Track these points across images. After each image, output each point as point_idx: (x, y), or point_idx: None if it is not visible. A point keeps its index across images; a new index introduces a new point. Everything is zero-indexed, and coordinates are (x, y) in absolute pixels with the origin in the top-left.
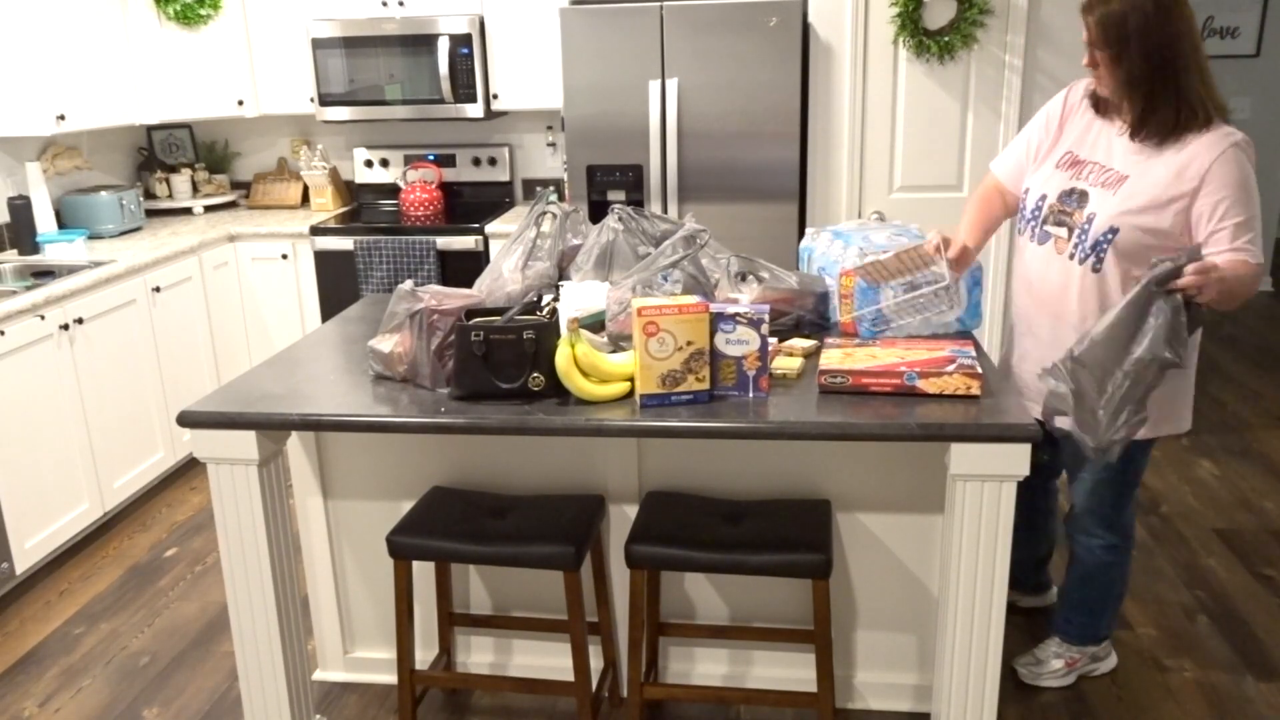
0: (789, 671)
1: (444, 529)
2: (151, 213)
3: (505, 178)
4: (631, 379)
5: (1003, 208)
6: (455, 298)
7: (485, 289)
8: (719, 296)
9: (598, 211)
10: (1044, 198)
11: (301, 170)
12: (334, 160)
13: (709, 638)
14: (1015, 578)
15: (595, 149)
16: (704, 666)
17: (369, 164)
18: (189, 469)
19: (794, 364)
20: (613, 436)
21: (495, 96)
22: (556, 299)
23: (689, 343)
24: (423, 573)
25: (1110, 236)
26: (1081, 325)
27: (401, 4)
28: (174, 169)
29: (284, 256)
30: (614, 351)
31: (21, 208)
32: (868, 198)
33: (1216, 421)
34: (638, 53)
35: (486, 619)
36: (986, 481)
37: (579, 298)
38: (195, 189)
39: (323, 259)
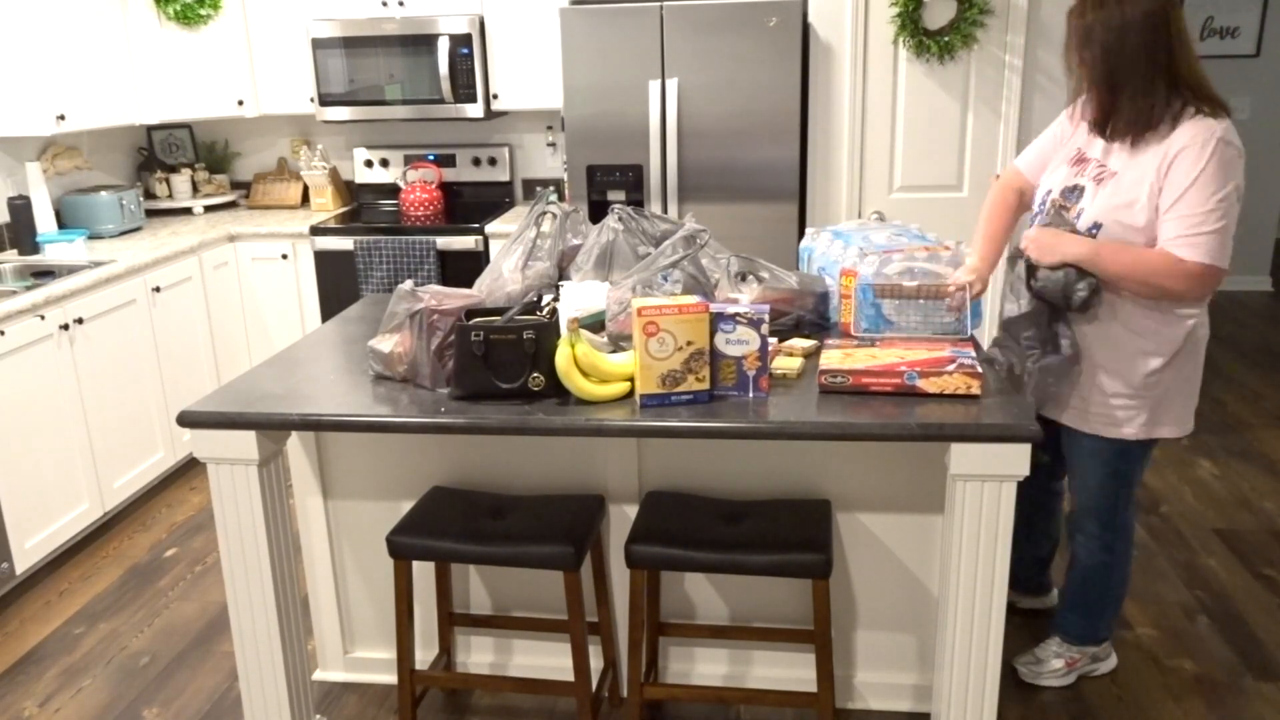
0: (789, 671)
1: (444, 529)
2: (151, 213)
3: (505, 178)
4: (631, 379)
5: (1018, 206)
6: (455, 298)
7: (485, 289)
8: (719, 296)
9: (598, 211)
10: (1050, 193)
11: (301, 170)
12: (334, 160)
13: (709, 638)
14: (1016, 578)
15: (595, 149)
16: (704, 666)
17: (369, 164)
18: (189, 469)
19: (794, 364)
20: (613, 436)
21: (495, 96)
22: (556, 299)
23: (689, 343)
24: (423, 573)
25: (1094, 232)
26: (1075, 318)
27: (401, 4)
28: (174, 169)
29: (284, 256)
30: (614, 351)
31: (21, 208)
32: (868, 198)
33: (1216, 421)
34: (638, 53)
35: (486, 619)
36: (986, 481)
37: (579, 298)
38: (195, 189)
39: (323, 259)
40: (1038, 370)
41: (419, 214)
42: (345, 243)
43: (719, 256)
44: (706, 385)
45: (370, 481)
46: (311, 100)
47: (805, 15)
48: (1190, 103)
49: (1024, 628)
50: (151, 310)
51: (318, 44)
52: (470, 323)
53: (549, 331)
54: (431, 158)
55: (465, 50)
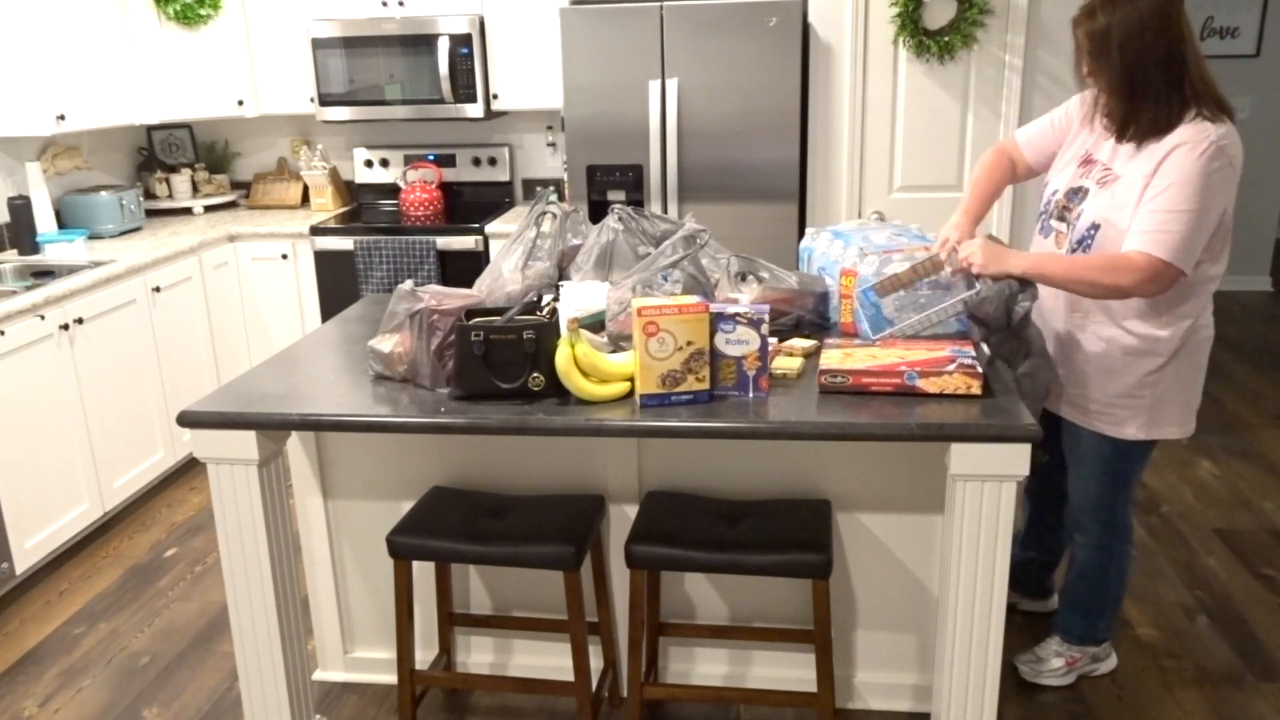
0: (789, 671)
1: (444, 529)
2: (151, 213)
3: (505, 178)
4: (631, 379)
5: (1010, 172)
6: (455, 298)
7: (485, 289)
8: (719, 296)
9: (598, 211)
10: (1055, 192)
11: (301, 170)
12: (334, 160)
13: (709, 638)
14: (1018, 580)
15: (595, 149)
16: (704, 666)
17: (369, 164)
18: (189, 469)
19: (794, 364)
20: (613, 436)
21: (495, 96)
22: (556, 299)
23: (689, 343)
24: (423, 573)
25: (1093, 232)
26: (1071, 318)
27: (401, 4)
28: (174, 169)
29: (284, 256)
30: (614, 351)
31: (21, 208)
32: (868, 198)
33: (1216, 421)
34: (638, 53)
35: (486, 619)
36: (986, 481)
37: (579, 298)
38: (195, 189)
39: (323, 259)
40: (1021, 377)
41: (419, 214)
42: (345, 243)
43: (719, 256)
44: (706, 385)
45: (370, 481)
46: (311, 100)
47: (805, 15)
48: (1193, 104)
49: (1025, 628)
50: (151, 310)
51: (318, 44)
52: (470, 323)
53: (549, 331)
54: (431, 158)
55: (465, 50)
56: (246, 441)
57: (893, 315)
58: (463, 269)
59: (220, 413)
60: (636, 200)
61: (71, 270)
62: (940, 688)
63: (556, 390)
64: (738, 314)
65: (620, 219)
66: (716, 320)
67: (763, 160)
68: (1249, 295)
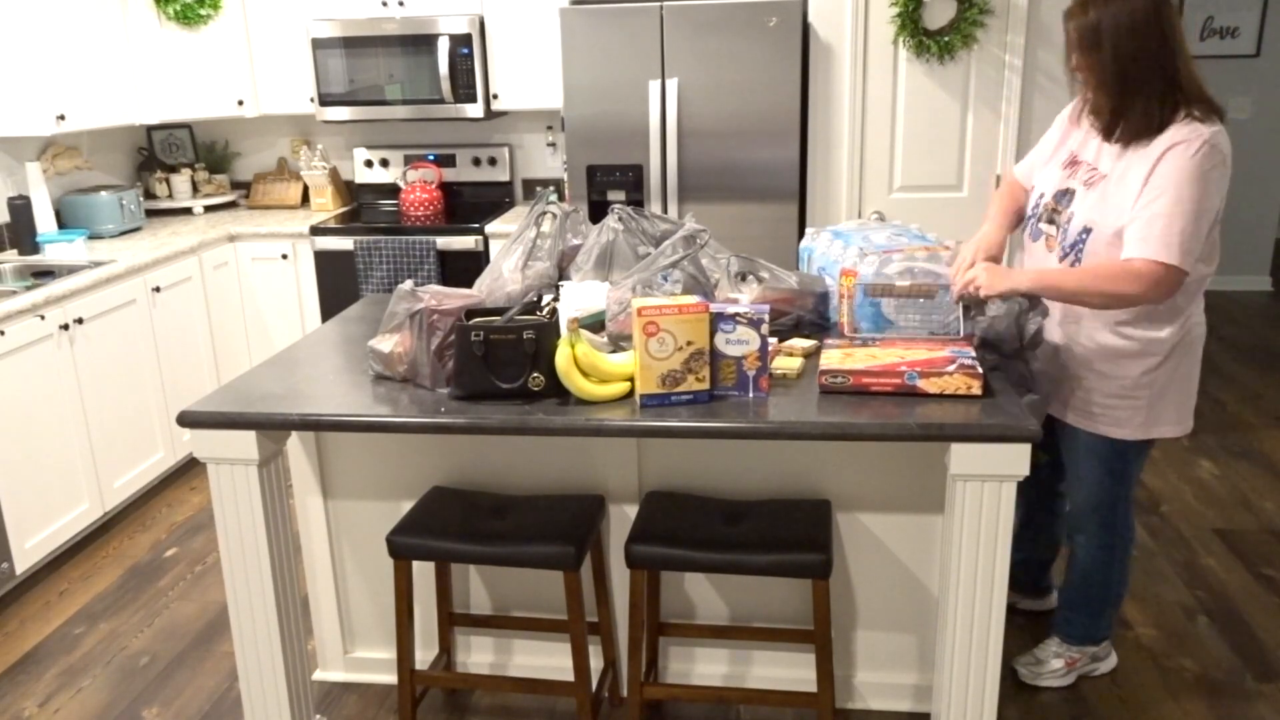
0: (789, 671)
1: (444, 529)
2: (151, 213)
3: (505, 178)
4: (631, 379)
5: (1024, 198)
6: (455, 298)
7: (485, 289)
8: (719, 296)
9: (598, 211)
10: (1042, 196)
11: (301, 170)
12: (334, 160)
13: (709, 638)
14: (1017, 580)
15: (595, 149)
16: (704, 666)
17: (369, 164)
18: (189, 469)
19: (794, 364)
20: (613, 436)
21: (495, 96)
22: (556, 299)
23: (689, 343)
24: (423, 573)
25: (1085, 236)
26: (1063, 322)
27: (401, 4)
28: (174, 169)
29: (284, 256)
30: (614, 351)
31: (21, 208)
32: (868, 198)
33: (1216, 421)
34: (638, 53)
35: (486, 619)
36: (986, 481)
37: (579, 298)
38: (195, 189)
39: (323, 259)
40: (1027, 406)
41: (419, 214)
42: (345, 243)
43: (719, 256)
44: (706, 385)
45: (370, 481)
46: (311, 100)
47: (805, 15)
48: (1183, 105)
49: (1025, 629)
50: (151, 310)
51: (318, 44)
52: (470, 323)
53: (549, 331)
54: (431, 158)
55: (465, 50)
56: (246, 441)
57: (893, 316)
58: (463, 269)
59: (220, 413)
60: (636, 200)
61: (71, 270)
62: (940, 688)
63: (556, 390)
64: (738, 314)
65: (620, 219)
66: (716, 320)
67: (763, 160)
68: (1249, 295)
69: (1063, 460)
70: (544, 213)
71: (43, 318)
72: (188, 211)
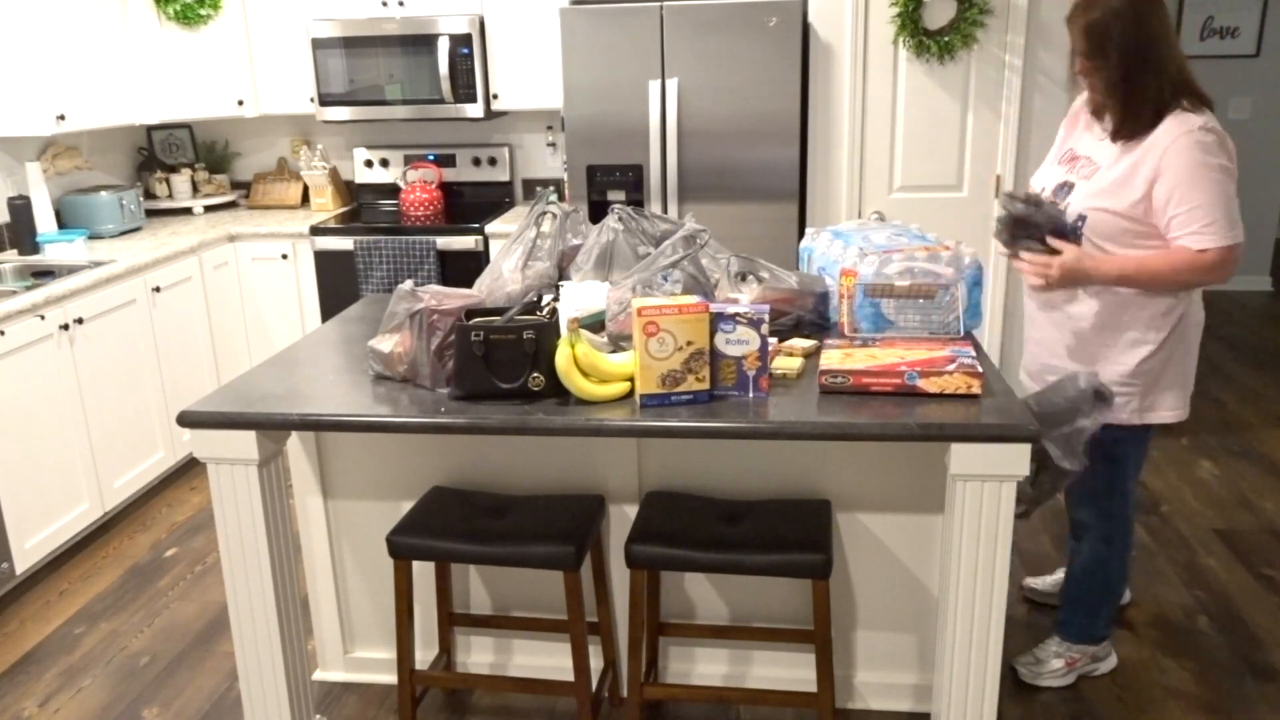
0: (789, 671)
1: (444, 529)
2: (151, 213)
3: (505, 178)
4: (631, 379)
5: None
6: (455, 298)
7: (485, 289)
8: (719, 296)
9: (598, 211)
10: (1044, 189)
11: (301, 170)
12: (334, 160)
13: (709, 638)
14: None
15: (595, 149)
16: (704, 666)
17: (369, 164)
18: (189, 469)
19: (794, 364)
20: (613, 436)
21: (495, 96)
22: (556, 299)
23: (689, 343)
24: (423, 573)
25: (1080, 224)
26: (1066, 314)
27: (401, 4)
28: (174, 169)
29: (284, 256)
30: (614, 351)
31: (21, 208)
32: (868, 198)
33: (1216, 421)
34: (638, 53)
35: (486, 619)
36: (986, 481)
37: (579, 298)
38: (195, 189)
39: (323, 259)
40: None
41: (419, 214)
42: (345, 243)
43: (719, 256)
44: (706, 385)
45: (370, 481)
46: (311, 100)
47: (805, 15)
48: (1174, 96)
49: (1025, 628)
50: (151, 310)
51: (318, 44)
52: (470, 323)
53: (549, 331)
54: (431, 158)
55: (465, 50)
56: (246, 441)
57: (892, 316)
58: (463, 269)
59: (220, 413)
60: (636, 200)
61: (71, 270)
62: (940, 688)
63: (556, 390)
64: (738, 314)
65: (620, 219)
66: (716, 320)
67: (763, 160)
68: (1249, 295)
69: None
70: (544, 213)
71: (43, 318)
72: (188, 211)
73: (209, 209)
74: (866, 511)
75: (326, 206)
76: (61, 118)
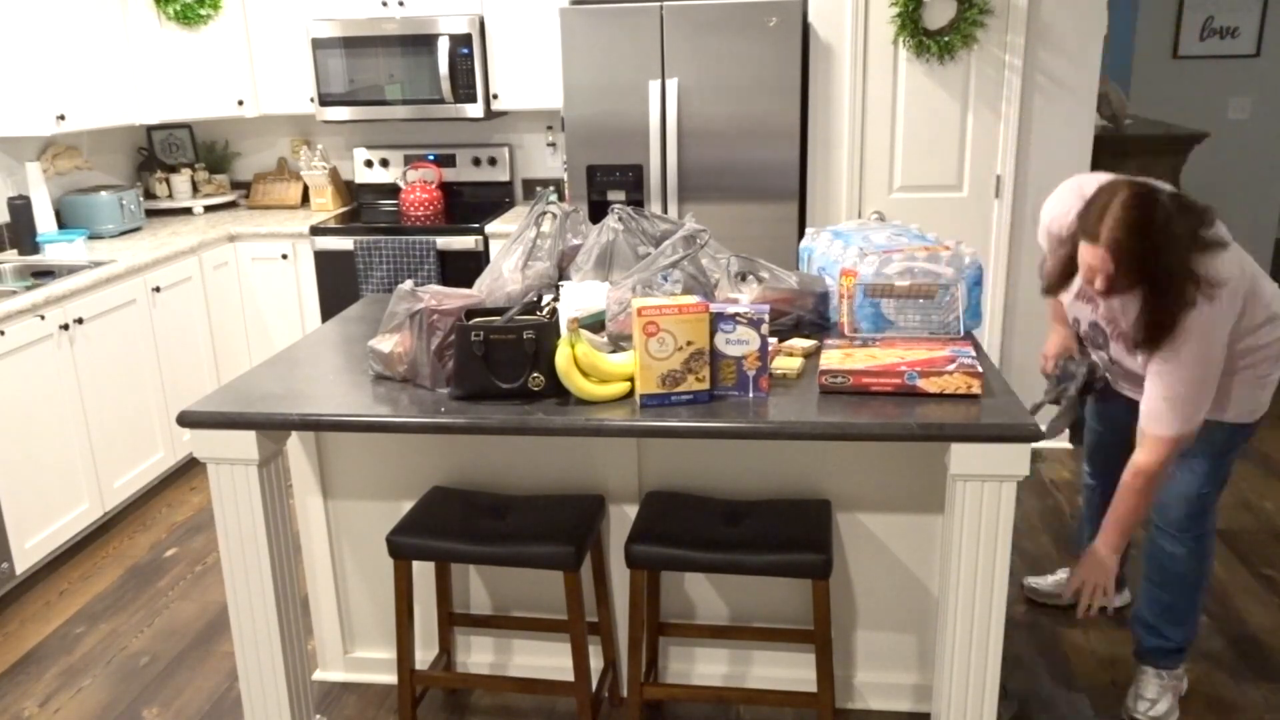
0: (789, 671)
1: (444, 529)
2: (151, 213)
3: (505, 178)
4: (631, 379)
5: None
6: (455, 298)
7: (485, 289)
8: (719, 296)
9: (598, 211)
10: (1077, 322)
11: (301, 170)
12: (334, 160)
13: (709, 638)
14: None
15: (595, 149)
16: (704, 666)
17: (369, 164)
18: (189, 469)
19: (794, 364)
20: (613, 436)
21: (495, 96)
22: (556, 299)
23: (689, 343)
24: (423, 573)
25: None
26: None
27: (401, 4)
28: (174, 169)
29: (284, 256)
30: (614, 351)
31: (21, 208)
32: (868, 198)
33: None
34: (638, 53)
35: (486, 619)
36: (986, 481)
37: (579, 298)
38: (195, 189)
39: (323, 259)
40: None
41: (419, 214)
42: (345, 243)
43: (719, 256)
44: (706, 385)
45: (370, 481)
46: (311, 100)
47: (805, 15)
48: (1192, 298)
49: (1026, 628)
50: (151, 310)
51: (318, 44)
52: (470, 323)
53: (549, 331)
54: (431, 158)
55: (465, 50)
56: (246, 441)
57: (892, 316)
58: (463, 269)
59: (220, 413)
60: (636, 200)
61: (71, 270)
62: (940, 688)
63: (556, 390)
64: (738, 314)
65: (620, 219)
66: (716, 320)
67: (763, 160)
68: None
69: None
70: (544, 213)
71: (43, 318)
72: (188, 211)
73: (209, 209)
74: (866, 511)
75: (326, 206)
76: (61, 118)
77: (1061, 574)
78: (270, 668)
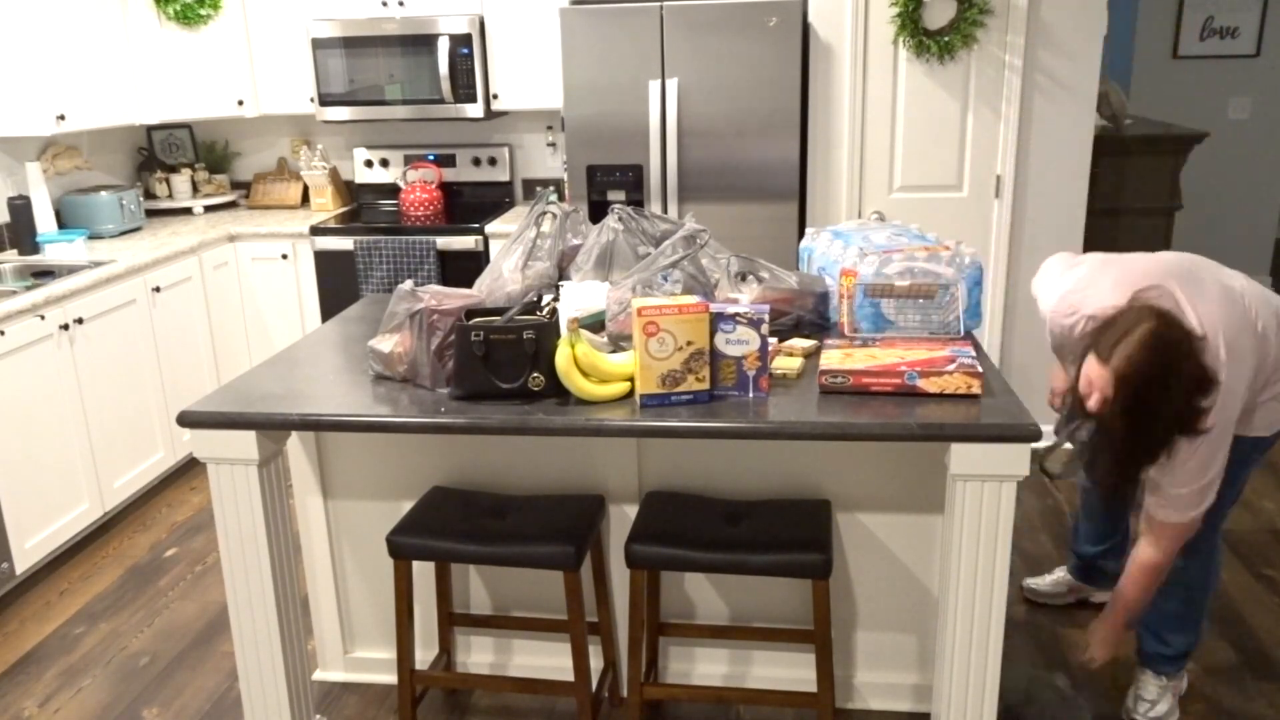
0: (789, 671)
1: (444, 529)
2: (151, 213)
3: (505, 178)
4: (631, 379)
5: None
6: (455, 298)
7: (485, 289)
8: (719, 296)
9: (598, 211)
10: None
11: (301, 170)
12: (334, 160)
13: (709, 638)
14: (1098, 573)
15: (595, 149)
16: (704, 666)
17: (369, 164)
18: (189, 469)
19: (794, 364)
20: (613, 436)
21: (495, 96)
22: (556, 299)
23: (689, 343)
24: (423, 573)
25: None
26: None
27: (401, 4)
28: (174, 169)
29: (284, 256)
30: (614, 351)
31: (21, 208)
32: (868, 198)
33: None
34: (638, 53)
35: (486, 619)
36: (986, 481)
37: (579, 298)
38: (195, 189)
39: (323, 259)
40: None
41: (419, 214)
42: (345, 243)
43: (719, 256)
44: (706, 385)
45: (370, 481)
46: (311, 100)
47: (805, 15)
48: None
49: (1026, 628)
50: (151, 310)
51: (318, 44)
52: (470, 323)
53: (549, 331)
54: (431, 158)
55: (465, 50)
56: (246, 441)
57: (892, 316)
58: (463, 269)
59: (220, 413)
60: (636, 200)
61: (71, 270)
62: (940, 688)
63: (556, 390)
64: (738, 314)
65: (620, 219)
66: (716, 320)
67: (763, 160)
68: None
69: None
70: (544, 213)
71: (43, 318)
72: (188, 211)
73: (209, 209)
74: (866, 511)
75: (326, 206)
76: (61, 118)
77: (1059, 573)
78: (270, 668)
